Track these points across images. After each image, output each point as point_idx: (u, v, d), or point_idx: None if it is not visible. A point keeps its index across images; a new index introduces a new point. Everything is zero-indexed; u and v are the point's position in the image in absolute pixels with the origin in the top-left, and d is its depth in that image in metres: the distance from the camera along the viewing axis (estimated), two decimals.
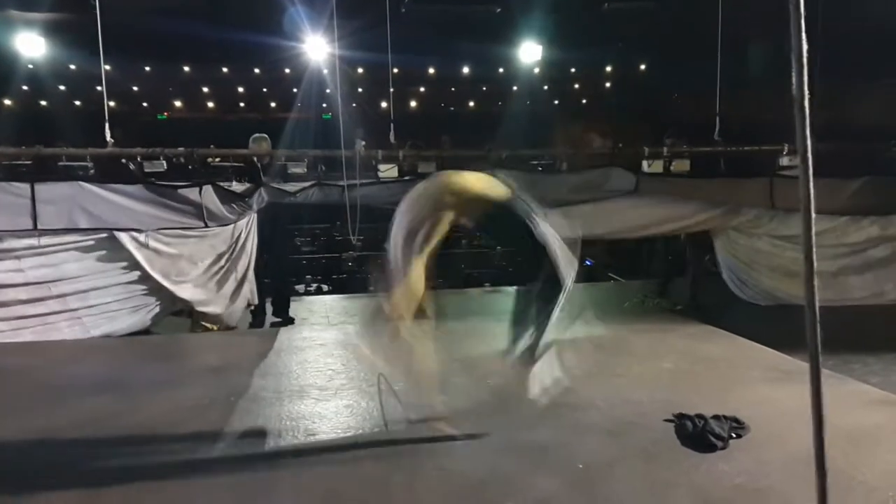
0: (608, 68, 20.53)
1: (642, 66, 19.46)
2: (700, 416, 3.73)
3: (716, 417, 3.72)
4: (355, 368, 5.21)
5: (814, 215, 1.67)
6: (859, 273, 7.38)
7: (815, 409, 1.62)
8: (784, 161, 7.66)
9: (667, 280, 8.13)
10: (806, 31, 1.68)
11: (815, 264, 1.68)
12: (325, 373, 5.11)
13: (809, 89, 1.68)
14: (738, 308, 7.58)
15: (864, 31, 8.42)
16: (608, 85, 21.22)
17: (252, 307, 7.17)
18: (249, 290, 7.05)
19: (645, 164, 7.68)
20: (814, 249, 1.65)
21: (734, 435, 3.59)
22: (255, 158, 7.04)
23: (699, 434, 3.56)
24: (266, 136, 7.21)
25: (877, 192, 7.30)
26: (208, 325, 6.77)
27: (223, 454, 3.61)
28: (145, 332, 6.71)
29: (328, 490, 3.15)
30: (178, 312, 6.93)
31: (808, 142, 1.65)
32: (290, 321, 7.20)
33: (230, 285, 6.82)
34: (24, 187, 6.05)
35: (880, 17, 8.23)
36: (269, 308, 7.30)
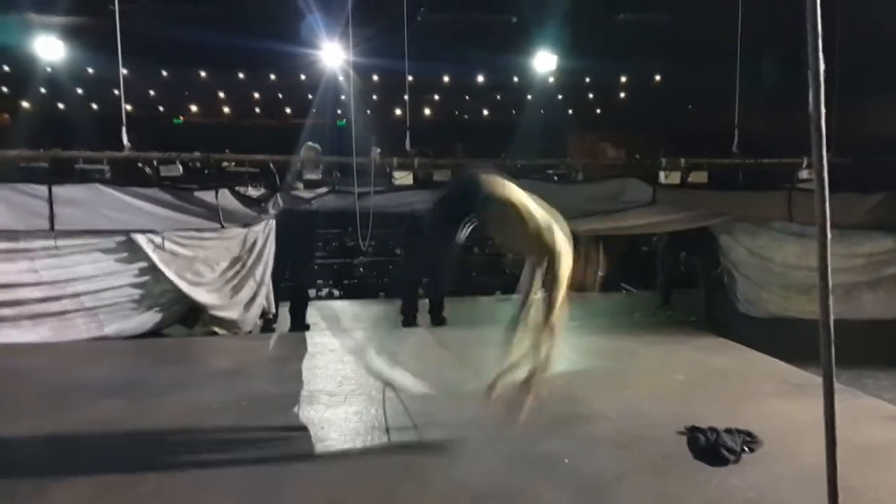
0: (623, 79, 20.51)
1: (657, 77, 19.44)
2: (713, 430, 3.70)
3: (728, 431, 3.69)
4: (365, 375, 5.21)
5: (829, 235, 1.66)
6: (873, 289, 7.31)
7: (829, 430, 1.61)
8: (804, 174, 7.59)
9: (667, 292, 8.06)
10: (823, 45, 1.68)
11: (831, 284, 1.67)
12: (335, 379, 5.12)
13: (827, 105, 1.68)
14: (749, 321, 7.54)
15: (881, 42, 8.38)
16: (622, 95, 21.21)
17: (270, 315, 7.18)
18: (266, 298, 7.08)
19: (662, 175, 7.64)
20: (829, 269, 1.64)
21: (747, 449, 3.56)
22: (271, 164, 7.08)
23: (711, 447, 3.53)
24: (318, 146, 7.27)
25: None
26: (218, 330, 6.79)
27: (233, 458, 3.62)
28: (158, 334, 6.75)
29: (335, 498, 3.15)
30: (187, 321, 6.96)
31: (825, 159, 1.65)
32: (306, 328, 7.22)
33: (246, 292, 6.85)
34: (42, 189, 6.11)
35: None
36: (284, 313, 7.31)
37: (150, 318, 6.67)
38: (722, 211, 7.49)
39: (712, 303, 7.74)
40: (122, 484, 3.29)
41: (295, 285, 7.52)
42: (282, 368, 5.53)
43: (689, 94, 17.32)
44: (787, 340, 6.23)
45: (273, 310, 7.21)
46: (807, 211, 7.07)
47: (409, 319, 7.41)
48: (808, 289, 7.25)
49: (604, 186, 7.74)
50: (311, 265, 7.61)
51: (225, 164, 7.71)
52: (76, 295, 6.31)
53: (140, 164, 7.31)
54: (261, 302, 6.99)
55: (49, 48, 11.43)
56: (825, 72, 1.69)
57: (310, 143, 7.27)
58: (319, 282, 11.27)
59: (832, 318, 1.63)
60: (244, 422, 4.21)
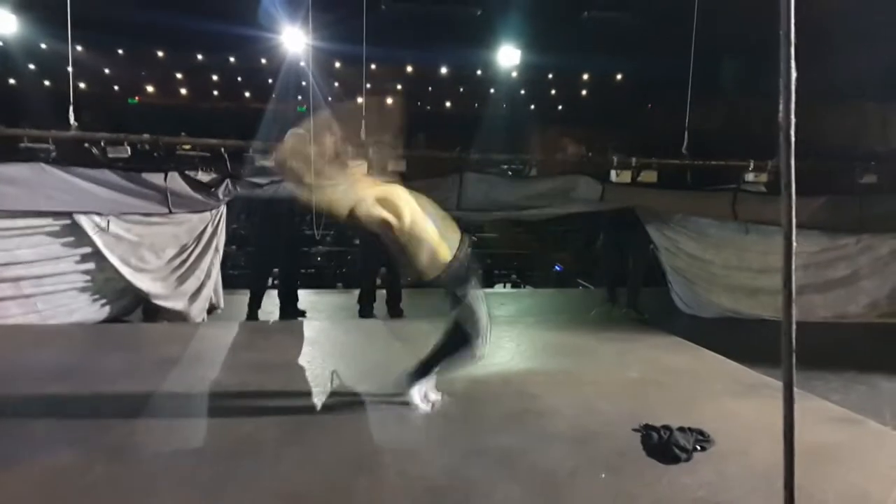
0: (585, 76, 20.65)
1: (619, 76, 19.61)
2: (666, 428, 3.71)
3: (681, 429, 3.71)
4: (319, 366, 5.13)
5: (794, 244, 1.64)
6: (821, 292, 7.50)
7: (787, 436, 1.59)
8: (749, 177, 7.77)
9: (613, 288, 8.11)
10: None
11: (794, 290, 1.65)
12: (289, 371, 5.02)
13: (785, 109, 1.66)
14: (700, 320, 7.67)
15: (834, 50, 8.54)
16: (584, 92, 21.35)
17: (219, 310, 7.06)
18: (213, 290, 6.92)
19: (613, 173, 7.72)
20: (793, 277, 1.62)
21: (699, 448, 3.57)
22: (222, 149, 6.91)
23: (664, 446, 3.54)
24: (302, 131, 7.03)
25: (836, 211, 7.44)
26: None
27: (184, 449, 3.51)
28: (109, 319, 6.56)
29: (289, 491, 3.07)
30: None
31: (792, 168, 1.63)
32: (302, 314, 7.17)
33: (192, 283, 6.67)
34: None
35: (851, 37, 8.36)
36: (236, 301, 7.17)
37: (94, 311, 6.46)
38: (667, 208, 7.64)
39: (637, 295, 7.83)
40: (71, 471, 3.17)
41: (282, 272, 7.41)
42: (232, 357, 5.41)
43: (651, 93, 17.51)
44: (736, 339, 6.35)
45: (222, 304, 7.07)
46: (750, 210, 7.28)
47: (366, 310, 7.35)
48: (754, 292, 7.42)
49: (554, 182, 7.81)
50: (299, 251, 7.57)
51: (178, 147, 7.50)
52: (15, 279, 6.08)
53: (87, 145, 7.07)
54: (207, 294, 6.82)
55: (1, 21, 11.00)
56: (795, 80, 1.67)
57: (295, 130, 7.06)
58: (276, 270, 11.13)
59: (794, 325, 1.61)
60: (196, 412, 4.11)
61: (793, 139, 1.67)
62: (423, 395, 4.16)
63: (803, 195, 6.17)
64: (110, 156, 6.46)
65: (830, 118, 9.15)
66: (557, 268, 14.59)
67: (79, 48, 6.95)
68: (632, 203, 7.66)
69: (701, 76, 8.14)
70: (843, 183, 7.89)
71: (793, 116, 1.66)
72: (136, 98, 20.60)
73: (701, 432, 3.72)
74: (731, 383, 5.00)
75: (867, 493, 3.21)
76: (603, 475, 3.33)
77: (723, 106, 13.01)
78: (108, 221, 6.23)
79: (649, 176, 7.84)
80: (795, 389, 1.74)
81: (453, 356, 4.05)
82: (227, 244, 7.20)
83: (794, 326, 1.68)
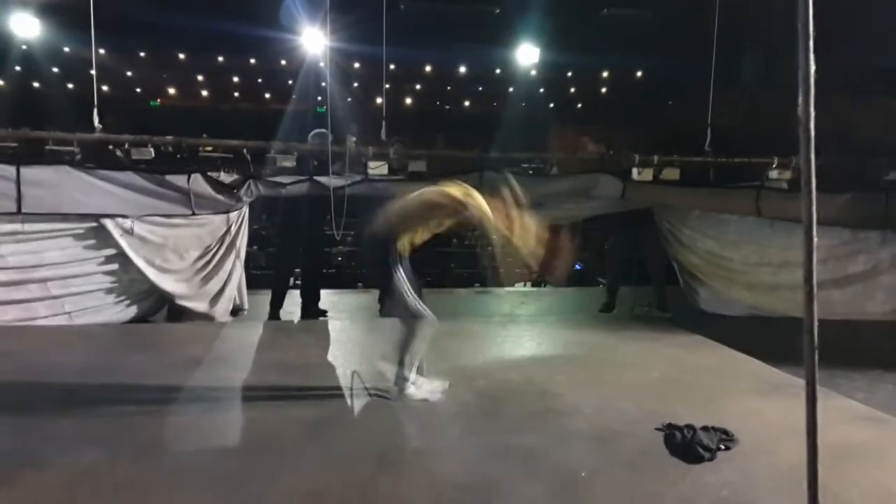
0: (605, 73, 20.53)
1: (639, 73, 19.48)
2: (689, 427, 3.70)
3: (705, 429, 3.69)
4: (341, 365, 5.16)
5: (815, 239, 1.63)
6: (840, 287, 7.39)
7: (811, 434, 1.58)
8: (773, 174, 7.67)
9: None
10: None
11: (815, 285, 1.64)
12: (310, 370, 5.05)
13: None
14: (722, 318, 7.60)
15: (860, 44, 8.43)
16: (604, 90, 21.22)
17: (243, 311, 7.15)
18: (237, 291, 7.00)
19: (635, 171, 7.68)
20: (814, 273, 1.61)
21: (723, 447, 3.55)
22: (244, 150, 6.96)
23: (687, 445, 3.52)
24: (325, 131, 7.07)
25: (860, 207, 7.33)
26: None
27: (206, 448, 3.55)
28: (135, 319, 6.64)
29: (311, 490, 3.09)
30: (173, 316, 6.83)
31: (812, 162, 1.61)
32: (323, 314, 7.23)
33: (215, 283, 6.74)
34: (10, 169, 5.94)
35: (874, 32, 8.26)
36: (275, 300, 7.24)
37: (120, 312, 6.53)
38: (690, 206, 7.60)
39: (663, 295, 7.78)
40: (95, 472, 3.21)
41: (303, 272, 7.51)
42: (254, 357, 5.46)
43: (670, 90, 17.39)
44: (759, 338, 6.28)
45: (246, 305, 7.14)
46: (774, 208, 7.20)
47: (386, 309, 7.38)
48: (774, 288, 7.35)
49: (576, 180, 7.78)
50: (320, 251, 7.65)
51: (200, 148, 7.59)
52: (43, 280, 6.16)
53: (111, 147, 7.16)
54: (231, 295, 6.89)
55: (25, 25, 11.14)
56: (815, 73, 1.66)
57: (319, 131, 7.12)
58: (297, 270, 11.20)
59: (816, 322, 1.60)
60: (219, 410, 4.15)
61: (812, 133, 1.65)
62: (421, 386, 4.33)
63: (827, 191, 6.10)
64: (134, 158, 6.53)
65: (855, 114, 9.03)
66: (578, 266, 14.55)
67: (101, 51, 7.00)
68: (653, 201, 7.62)
69: (720, 72, 8.07)
70: (869, 179, 7.77)
71: (812, 110, 1.65)
72: (158, 100, 20.78)
73: (725, 431, 3.70)
74: (755, 382, 4.96)
75: (893, 492, 3.18)
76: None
77: (742, 101, 12.90)
78: (133, 223, 6.30)
79: (672, 173, 7.78)
80: (819, 388, 1.73)
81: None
82: (248, 245, 7.25)
83: (816, 323, 1.67)
